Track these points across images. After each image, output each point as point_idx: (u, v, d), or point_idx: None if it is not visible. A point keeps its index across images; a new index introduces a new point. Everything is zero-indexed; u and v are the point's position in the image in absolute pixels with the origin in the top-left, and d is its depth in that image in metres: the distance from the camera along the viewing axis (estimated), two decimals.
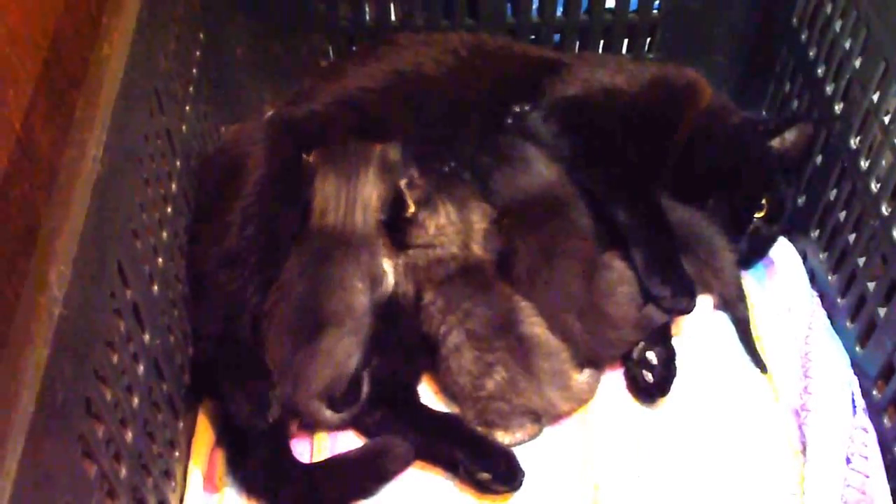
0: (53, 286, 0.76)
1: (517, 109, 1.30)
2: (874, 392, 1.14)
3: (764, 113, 1.45)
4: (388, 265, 1.19)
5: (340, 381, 1.11)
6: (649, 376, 1.16)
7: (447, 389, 1.16)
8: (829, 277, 1.25)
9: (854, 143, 1.18)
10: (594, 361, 1.17)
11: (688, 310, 1.16)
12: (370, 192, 1.20)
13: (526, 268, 1.18)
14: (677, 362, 1.18)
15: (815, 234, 1.29)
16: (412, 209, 1.20)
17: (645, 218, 1.20)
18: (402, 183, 1.21)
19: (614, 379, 1.19)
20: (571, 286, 1.16)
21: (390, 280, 1.19)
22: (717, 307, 1.24)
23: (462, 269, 1.18)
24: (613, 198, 1.22)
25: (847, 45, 1.20)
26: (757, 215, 1.27)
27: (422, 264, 1.19)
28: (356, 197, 1.19)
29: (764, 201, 1.27)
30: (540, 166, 1.24)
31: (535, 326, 1.14)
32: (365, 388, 1.13)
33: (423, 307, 1.17)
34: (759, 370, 1.20)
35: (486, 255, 1.21)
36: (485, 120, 1.29)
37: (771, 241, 1.31)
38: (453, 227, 1.20)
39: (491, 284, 1.17)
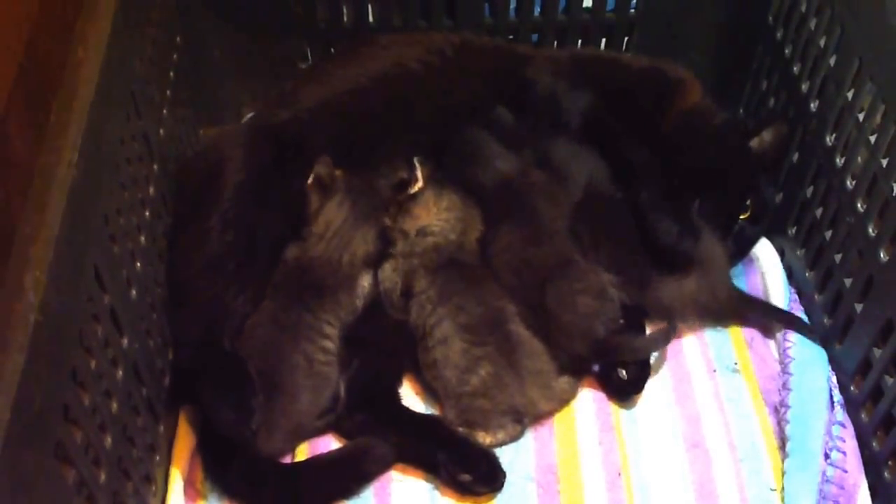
0: (29, 292, 0.75)
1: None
2: (852, 387, 1.15)
3: (741, 111, 1.46)
4: (367, 280, 1.19)
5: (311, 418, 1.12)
6: (623, 374, 1.16)
7: (429, 385, 1.16)
8: (807, 274, 1.26)
9: (829, 140, 1.19)
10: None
11: (689, 253, 1.16)
12: (364, 244, 1.19)
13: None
14: (654, 359, 1.19)
15: (792, 231, 1.30)
16: (421, 184, 1.20)
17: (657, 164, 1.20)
18: (416, 159, 1.22)
19: (596, 380, 1.19)
20: (531, 296, 1.15)
21: (366, 290, 1.19)
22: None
23: (456, 260, 1.18)
24: (627, 142, 1.22)
25: (822, 43, 1.21)
26: (741, 216, 1.27)
27: (418, 250, 1.19)
28: (352, 238, 1.18)
29: (748, 202, 1.27)
30: (499, 162, 1.24)
31: (521, 325, 1.14)
32: (341, 397, 1.13)
33: (415, 296, 1.16)
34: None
35: (479, 253, 1.21)
36: (475, 120, 1.29)
37: (754, 240, 1.32)
38: (455, 215, 1.20)
39: (482, 281, 1.17)
